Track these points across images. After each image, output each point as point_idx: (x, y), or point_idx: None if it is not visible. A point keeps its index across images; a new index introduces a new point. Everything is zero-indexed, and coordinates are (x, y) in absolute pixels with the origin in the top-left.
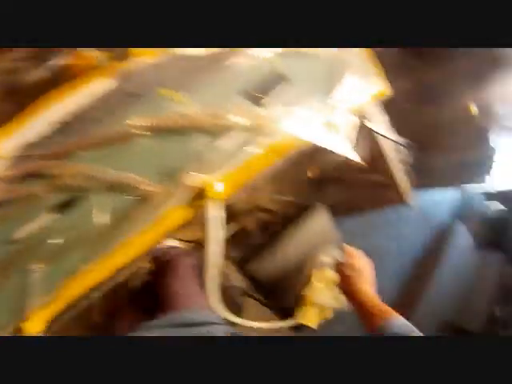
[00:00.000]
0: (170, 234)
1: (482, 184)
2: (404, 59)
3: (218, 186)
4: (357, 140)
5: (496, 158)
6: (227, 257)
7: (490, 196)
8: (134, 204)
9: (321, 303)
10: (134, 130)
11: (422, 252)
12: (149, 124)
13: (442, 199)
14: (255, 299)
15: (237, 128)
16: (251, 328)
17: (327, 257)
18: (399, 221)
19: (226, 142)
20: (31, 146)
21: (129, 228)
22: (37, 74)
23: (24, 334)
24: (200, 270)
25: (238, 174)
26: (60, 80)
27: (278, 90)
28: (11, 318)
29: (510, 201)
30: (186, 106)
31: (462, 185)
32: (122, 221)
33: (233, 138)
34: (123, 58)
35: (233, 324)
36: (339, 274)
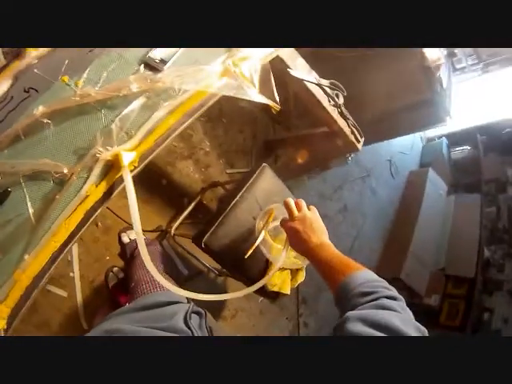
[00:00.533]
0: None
1: (444, 126)
2: None
3: (129, 155)
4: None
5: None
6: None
7: (453, 137)
8: (56, 188)
9: (283, 265)
10: (41, 119)
11: (399, 205)
12: (54, 109)
13: (406, 148)
14: (225, 275)
15: (137, 96)
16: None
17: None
18: (369, 178)
19: (129, 113)
20: None
21: (56, 213)
22: None
23: None
24: (162, 256)
25: (147, 140)
26: None
27: (178, 53)
28: None
29: (473, 139)
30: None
31: (424, 130)
32: (48, 207)
33: (135, 108)
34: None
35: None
36: (287, 230)
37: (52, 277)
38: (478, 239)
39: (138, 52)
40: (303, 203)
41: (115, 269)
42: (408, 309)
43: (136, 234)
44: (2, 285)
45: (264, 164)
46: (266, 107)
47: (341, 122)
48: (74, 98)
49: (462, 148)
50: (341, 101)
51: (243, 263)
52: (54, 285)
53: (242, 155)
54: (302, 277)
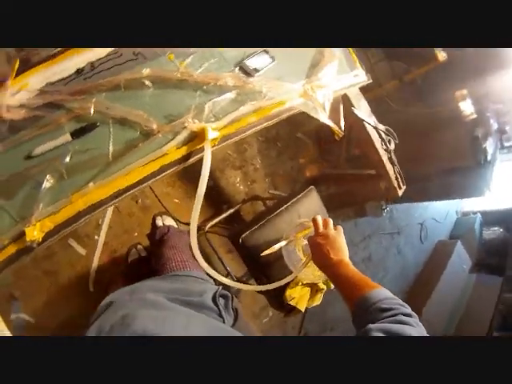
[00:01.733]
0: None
1: (481, 198)
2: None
3: (213, 133)
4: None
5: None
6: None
7: (488, 216)
8: (140, 138)
9: (305, 280)
10: (143, 80)
11: (421, 270)
12: (157, 75)
13: (441, 216)
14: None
15: (230, 90)
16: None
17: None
18: (398, 236)
19: (221, 100)
20: (56, 83)
21: (133, 158)
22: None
23: (25, 239)
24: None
25: (230, 127)
26: None
27: (268, 67)
28: (17, 223)
29: (507, 222)
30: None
31: (461, 199)
32: (128, 151)
33: (227, 98)
34: None
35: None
36: (310, 244)
37: (77, 234)
38: (489, 322)
39: (237, 56)
40: (330, 222)
41: (139, 246)
42: (421, 324)
43: (192, 219)
44: (57, 200)
45: (311, 186)
46: (318, 142)
47: (388, 166)
48: (176, 74)
49: (494, 228)
50: (392, 147)
51: (270, 268)
52: (76, 241)
53: (287, 181)
54: (318, 300)
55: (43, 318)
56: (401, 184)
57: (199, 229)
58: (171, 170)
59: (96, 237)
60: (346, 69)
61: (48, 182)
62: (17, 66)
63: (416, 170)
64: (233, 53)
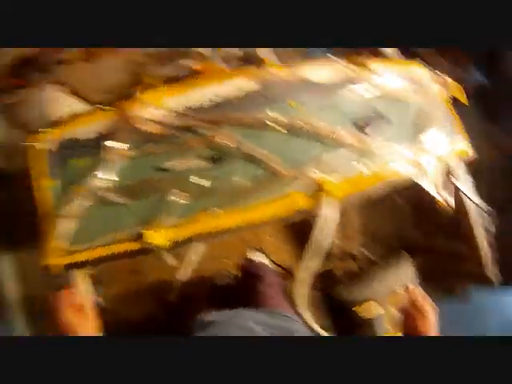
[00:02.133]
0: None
1: None
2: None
3: (336, 186)
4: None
5: None
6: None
7: None
8: (266, 177)
9: None
10: (269, 122)
11: None
12: (281, 120)
13: None
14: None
15: (346, 146)
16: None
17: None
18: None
19: (337, 155)
20: (192, 109)
21: (258, 194)
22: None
23: (144, 241)
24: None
25: (348, 184)
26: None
27: (376, 125)
28: (139, 224)
29: None
30: (308, 118)
31: None
32: (254, 186)
33: (343, 154)
34: (259, 65)
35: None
36: (404, 315)
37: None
38: None
39: (352, 112)
40: (426, 296)
41: (227, 273)
42: None
43: (303, 269)
44: (182, 215)
45: (404, 252)
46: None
47: (485, 249)
48: (299, 120)
49: None
50: (492, 230)
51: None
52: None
53: (381, 243)
54: None
55: (116, 309)
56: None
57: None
58: (290, 212)
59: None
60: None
61: (174, 197)
62: (146, 81)
63: None
64: (349, 108)
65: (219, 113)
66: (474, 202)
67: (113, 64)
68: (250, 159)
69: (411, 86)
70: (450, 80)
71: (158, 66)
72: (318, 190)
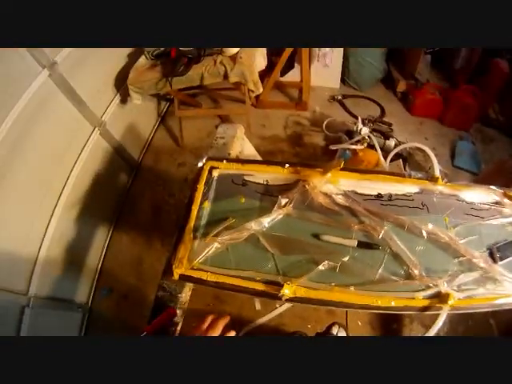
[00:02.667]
0: None
1: None
2: None
3: (453, 301)
4: None
5: None
6: None
7: None
8: (402, 276)
9: None
10: (422, 230)
11: None
12: (435, 232)
13: None
14: None
15: (477, 269)
16: None
17: None
18: None
19: (470, 275)
20: (359, 194)
21: (390, 288)
22: None
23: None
24: None
25: (465, 301)
26: None
27: (510, 257)
28: (278, 274)
29: None
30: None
31: None
32: (390, 280)
33: (473, 276)
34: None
35: None
36: None
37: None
38: None
39: (491, 238)
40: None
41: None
42: None
43: None
44: (320, 281)
45: None
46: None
47: None
48: (446, 238)
49: None
50: None
51: None
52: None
53: None
54: None
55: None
56: None
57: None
58: (408, 312)
59: (277, 305)
60: None
61: (323, 266)
62: (342, 165)
63: None
64: (489, 238)
65: (382, 207)
66: None
67: None
68: (395, 257)
69: None
70: None
71: None
72: (438, 299)
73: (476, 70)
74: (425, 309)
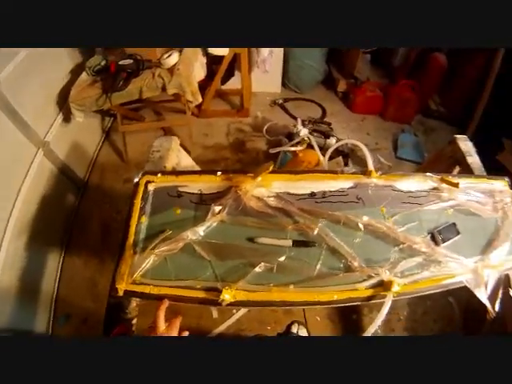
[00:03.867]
0: None
1: None
2: None
3: (397, 287)
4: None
5: None
6: None
7: None
8: (342, 269)
9: None
10: (358, 223)
11: None
12: (368, 223)
13: None
14: None
15: (420, 254)
16: None
17: None
18: None
19: (411, 261)
20: (292, 195)
21: (331, 282)
22: None
23: (215, 294)
24: None
25: (410, 286)
26: None
27: (453, 239)
28: (216, 280)
29: None
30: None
31: None
32: (330, 275)
33: (416, 261)
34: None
35: None
36: None
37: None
38: None
39: (430, 224)
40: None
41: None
42: None
43: None
44: (259, 283)
45: None
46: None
47: None
48: (383, 227)
49: None
50: None
51: None
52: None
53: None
54: None
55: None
56: None
57: None
58: (352, 303)
59: (234, 311)
60: None
61: (259, 268)
62: (271, 168)
63: None
64: (429, 223)
65: (316, 205)
66: None
67: None
68: (333, 252)
69: (492, 203)
70: None
71: None
72: (381, 287)
73: (415, 65)
74: (369, 298)
